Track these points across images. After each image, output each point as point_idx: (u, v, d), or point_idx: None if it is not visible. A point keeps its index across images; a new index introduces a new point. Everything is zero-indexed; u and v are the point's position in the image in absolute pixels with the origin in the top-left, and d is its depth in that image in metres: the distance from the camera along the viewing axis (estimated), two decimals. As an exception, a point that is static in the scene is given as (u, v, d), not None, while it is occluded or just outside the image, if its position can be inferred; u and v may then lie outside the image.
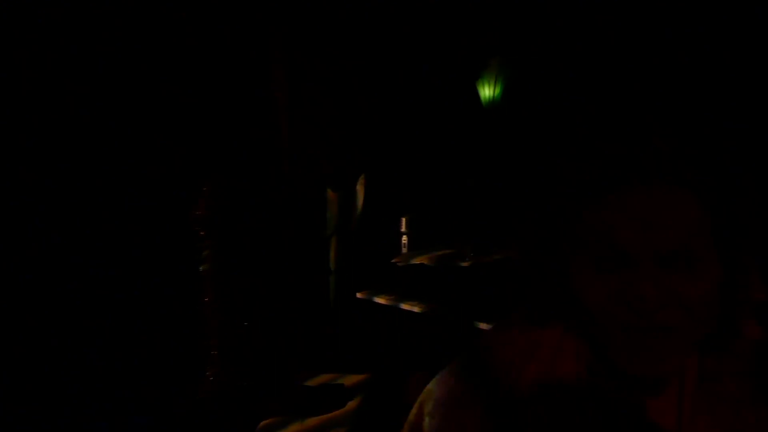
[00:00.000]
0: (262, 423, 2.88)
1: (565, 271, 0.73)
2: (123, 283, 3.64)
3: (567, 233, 0.73)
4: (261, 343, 3.62)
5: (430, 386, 0.83)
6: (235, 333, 3.41)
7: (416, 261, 3.37)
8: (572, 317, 0.74)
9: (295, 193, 3.99)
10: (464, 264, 3.14)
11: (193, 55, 3.78)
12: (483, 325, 2.78)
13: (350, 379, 3.47)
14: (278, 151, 3.91)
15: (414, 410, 0.85)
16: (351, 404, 3.10)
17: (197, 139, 3.72)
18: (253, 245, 3.82)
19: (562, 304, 0.74)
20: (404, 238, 3.66)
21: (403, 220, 3.68)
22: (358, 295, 3.62)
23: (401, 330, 3.33)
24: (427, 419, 0.79)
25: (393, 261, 3.51)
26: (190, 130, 3.71)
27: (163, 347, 3.60)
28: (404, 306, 3.26)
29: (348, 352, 3.74)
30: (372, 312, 3.50)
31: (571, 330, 0.76)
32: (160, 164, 3.66)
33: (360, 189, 3.98)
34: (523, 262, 0.81)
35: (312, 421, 2.92)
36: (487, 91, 4.19)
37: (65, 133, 3.58)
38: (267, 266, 3.87)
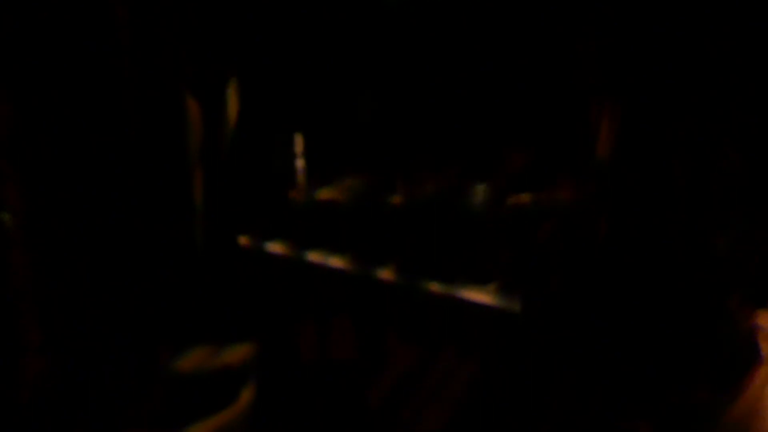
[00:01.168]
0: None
1: None
2: None
3: None
4: (103, 319, 2.62)
5: None
6: (62, 309, 2.38)
7: (323, 196, 2.51)
8: None
9: (139, 105, 2.88)
10: (393, 201, 2.34)
11: None
12: (432, 286, 2.04)
13: (234, 354, 2.60)
14: (113, 44, 2.75)
15: None
16: (244, 396, 2.26)
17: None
18: (81, 180, 2.71)
19: None
20: (300, 163, 2.75)
21: (298, 138, 2.75)
22: (242, 242, 2.70)
23: (307, 289, 2.50)
24: None
25: (289, 196, 2.61)
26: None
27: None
28: (311, 258, 2.42)
29: (227, 317, 2.86)
30: (263, 265, 2.62)
31: None
32: None
33: (232, 96, 2.96)
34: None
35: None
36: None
37: None
38: (102, 210, 2.79)
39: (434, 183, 2.35)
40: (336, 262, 2.31)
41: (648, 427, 2.59)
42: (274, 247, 2.54)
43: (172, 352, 2.53)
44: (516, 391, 2.11)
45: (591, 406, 2.59)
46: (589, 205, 1.97)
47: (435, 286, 2.01)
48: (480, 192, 2.26)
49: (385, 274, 2.16)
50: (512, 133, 2.51)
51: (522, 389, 2.09)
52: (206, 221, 2.97)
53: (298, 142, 2.75)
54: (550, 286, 1.80)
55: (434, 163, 2.43)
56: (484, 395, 2.49)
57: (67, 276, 2.53)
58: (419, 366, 2.80)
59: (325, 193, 2.50)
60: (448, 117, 2.55)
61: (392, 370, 2.84)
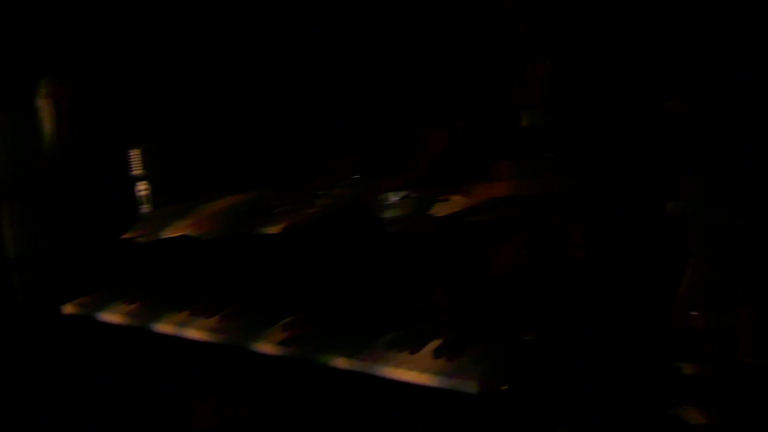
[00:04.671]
0: None
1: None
2: None
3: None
4: None
5: None
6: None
7: (174, 232, 1.73)
8: None
9: None
10: (271, 230, 1.59)
11: None
12: (336, 360, 1.30)
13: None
14: None
15: None
16: None
17: None
18: None
19: None
20: (142, 188, 1.96)
21: (137, 154, 1.95)
22: (68, 310, 1.89)
23: (160, 373, 1.71)
24: None
25: (127, 236, 1.82)
26: None
27: None
28: (161, 327, 1.63)
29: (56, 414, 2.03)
30: (97, 342, 1.82)
31: None
32: None
33: (45, 105, 2.14)
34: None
35: None
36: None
37: None
38: None
39: (325, 198, 1.62)
40: (195, 331, 1.54)
41: None
42: (111, 315, 1.75)
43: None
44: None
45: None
46: (565, 203, 1.30)
47: (341, 361, 1.28)
48: (395, 202, 1.55)
49: (266, 345, 1.41)
50: (423, 111, 1.80)
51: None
52: (25, 277, 2.14)
53: (137, 161, 1.94)
54: (532, 339, 1.11)
55: (321, 166, 1.70)
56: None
57: None
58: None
59: (176, 229, 1.72)
60: (333, 97, 1.80)
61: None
